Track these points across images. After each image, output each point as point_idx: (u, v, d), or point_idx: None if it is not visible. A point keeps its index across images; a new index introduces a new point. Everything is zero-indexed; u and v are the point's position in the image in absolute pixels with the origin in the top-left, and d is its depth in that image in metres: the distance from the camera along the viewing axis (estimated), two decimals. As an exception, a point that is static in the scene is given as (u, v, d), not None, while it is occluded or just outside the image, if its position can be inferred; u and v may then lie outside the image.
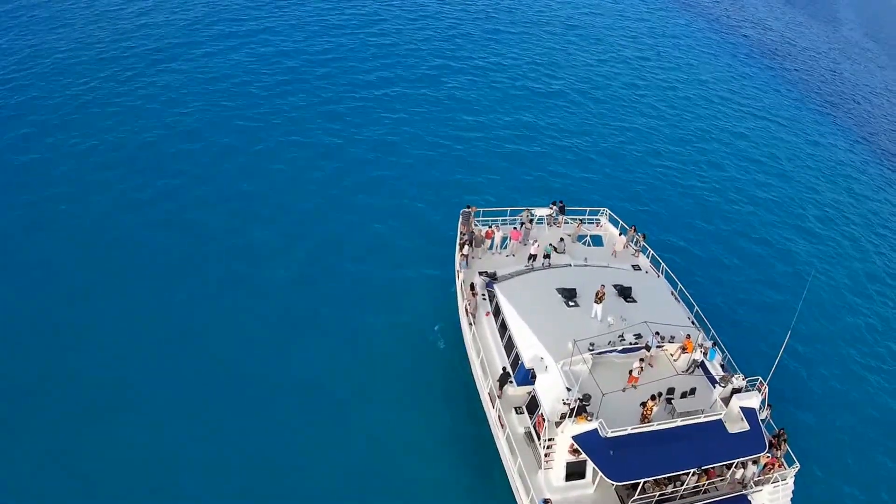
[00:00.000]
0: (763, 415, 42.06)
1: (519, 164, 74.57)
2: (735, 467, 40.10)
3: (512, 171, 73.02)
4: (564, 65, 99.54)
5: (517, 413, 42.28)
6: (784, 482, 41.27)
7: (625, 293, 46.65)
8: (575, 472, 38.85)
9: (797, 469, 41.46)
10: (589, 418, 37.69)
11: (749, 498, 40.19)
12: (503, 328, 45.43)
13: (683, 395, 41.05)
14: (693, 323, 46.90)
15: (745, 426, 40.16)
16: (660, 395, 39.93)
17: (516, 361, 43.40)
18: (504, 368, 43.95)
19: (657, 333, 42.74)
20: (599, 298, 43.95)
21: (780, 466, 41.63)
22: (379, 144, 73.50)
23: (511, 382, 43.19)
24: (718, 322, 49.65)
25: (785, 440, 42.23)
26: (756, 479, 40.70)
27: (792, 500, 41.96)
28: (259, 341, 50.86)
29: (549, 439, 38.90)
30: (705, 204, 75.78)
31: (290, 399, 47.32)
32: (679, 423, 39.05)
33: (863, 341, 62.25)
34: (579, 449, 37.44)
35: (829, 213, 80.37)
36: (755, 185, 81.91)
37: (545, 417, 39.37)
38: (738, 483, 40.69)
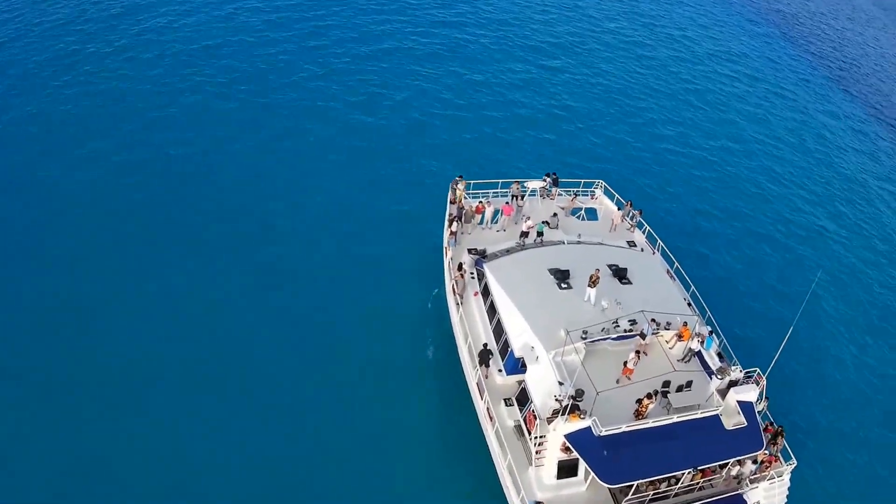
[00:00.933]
0: (759, 407, 40.67)
1: (519, 130, 72.79)
2: (731, 465, 38.83)
3: (512, 141, 71.26)
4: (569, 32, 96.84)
5: (507, 405, 40.68)
6: (780, 479, 40.02)
7: (620, 274, 44.94)
8: (567, 469, 37.41)
9: (794, 466, 40.27)
10: (582, 416, 36.13)
11: (745, 496, 38.93)
12: (492, 310, 43.74)
13: (679, 389, 39.60)
14: (689, 304, 45.40)
15: (743, 421, 38.81)
16: (656, 393, 38.48)
17: (506, 348, 41.86)
18: (485, 345, 42.25)
19: (653, 321, 41.13)
20: (594, 282, 42.15)
21: (776, 462, 40.42)
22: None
23: (500, 372, 41.75)
24: (716, 305, 47.84)
25: (782, 436, 40.90)
26: (752, 476, 39.45)
27: (788, 497, 40.80)
28: (242, 330, 49.16)
29: (541, 436, 37.39)
30: (712, 179, 74.08)
31: (273, 390, 45.68)
32: (675, 419, 37.65)
33: (870, 336, 60.72)
34: (571, 448, 35.98)
35: (848, 195, 78.71)
36: (770, 160, 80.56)
37: (536, 414, 37.77)
38: (734, 480, 39.43)
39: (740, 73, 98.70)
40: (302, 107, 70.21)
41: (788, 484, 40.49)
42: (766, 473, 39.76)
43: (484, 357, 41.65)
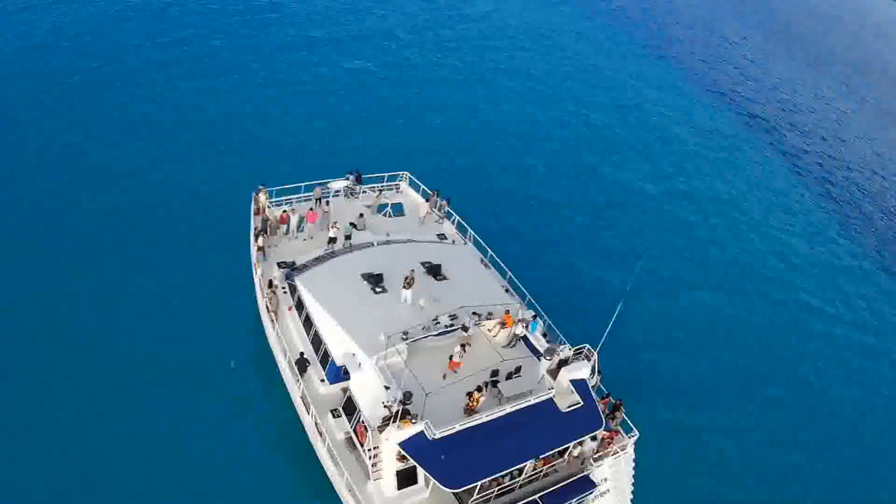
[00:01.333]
0: (593, 382, 41.02)
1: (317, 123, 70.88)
2: (573, 446, 38.67)
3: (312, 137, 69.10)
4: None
5: (334, 416, 39.36)
6: (624, 452, 40.31)
7: (434, 271, 44.31)
8: (406, 477, 36.48)
9: (636, 437, 40.59)
10: (413, 421, 35.08)
11: (591, 476, 39.03)
12: (308, 323, 42.21)
13: (509, 377, 39.19)
14: (508, 290, 45.34)
15: (578, 400, 38.73)
16: (486, 384, 37.95)
17: (326, 358, 40.40)
18: (302, 353, 40.84)
19: (474, 313, 40.79)
20: (408, 284, 41.36)
21: (618, 436, 40.66)
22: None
23: (323, 381, 40.38)
24: (539, 286, 47.84)
25: (622, 409, 41.33)
26: (595, 454, 39.50)
27: (635, 468, 41.20)
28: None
29: (375, 447, 36.26)
30: (523, 161, 74.55)
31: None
32: (509, 409, 37.09)
33: (705, 292, 63.70)
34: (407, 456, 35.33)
35: (664, 154, 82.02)
36: (577, 135, 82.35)
37: (367, 425, 36.81)
38: (577, 460, 39.37)
39: (552, 47, 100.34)
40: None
41: (633, 456, 40.83)
42: (609, 449, 39.80)
43: (301, 365, 40.29)
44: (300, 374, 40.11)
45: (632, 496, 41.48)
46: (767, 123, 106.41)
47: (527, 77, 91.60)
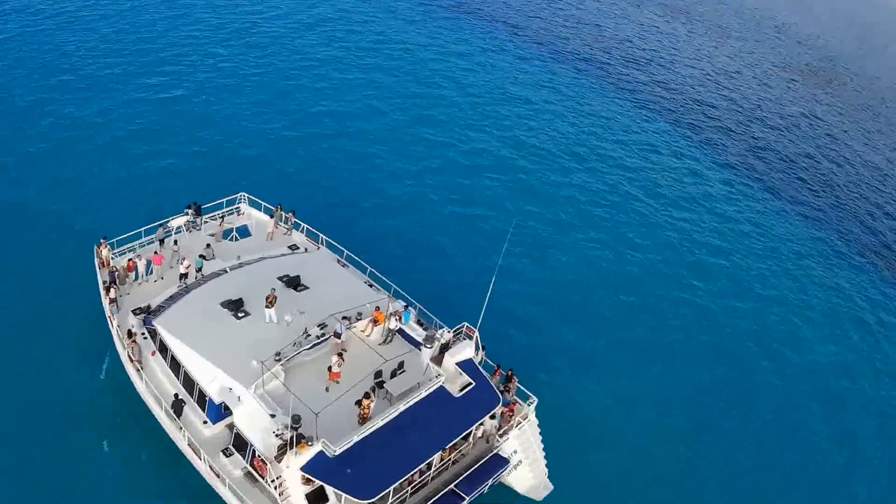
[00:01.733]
0: (478, 358, 40.34)
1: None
2: (475, 428, 37.93)
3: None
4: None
5: (227, 455, 37.45)
6: (527, 420, 39.80)
7: (293, 283, 42.99)
8: (317, 498, 34.82)
9: (535, 403, 40.08)
10: (309, 443, 33.67)
11: (500, 453, 38.52)
12: (175, 365, 40.08)
13: (394, 375, 38.14)
14: (372, 286, 44.40)
15: (469, 381, 38.09)
16: (373, 389, 36.87)
17: (202, 399, 38.40)
18: (176, 395, 38.72)
19: (343, 317, 39.57)
20: (270, 302, 39.87)
21: (517, 406, 40.01)
22: None
23: (206, 423, 38.32)
24: (404, 278, 47.02)
25: (514, 378, 40.62)
26: (499, 430, 38.92)
27: (541, 432, 40.89)
28: None
29: (277, 477, 34.60)
30: (358, 154, 73.11)
31: None
32: (402, 407, 36.09)
33: (573, 267, 63.29)
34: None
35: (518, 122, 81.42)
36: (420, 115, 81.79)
37: (263, 458, 35.09)
38: (482, 440, 38.75)
39: (382, 41, 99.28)
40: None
41: (537, 421, 40.46)
42: (512, 422, 39.18)
43: (177, 407, 38.28)
44: (177, 417, 38.08)
45: (545, 459, 41.20)
46: (590, 61, 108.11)
47: (331, 69, 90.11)
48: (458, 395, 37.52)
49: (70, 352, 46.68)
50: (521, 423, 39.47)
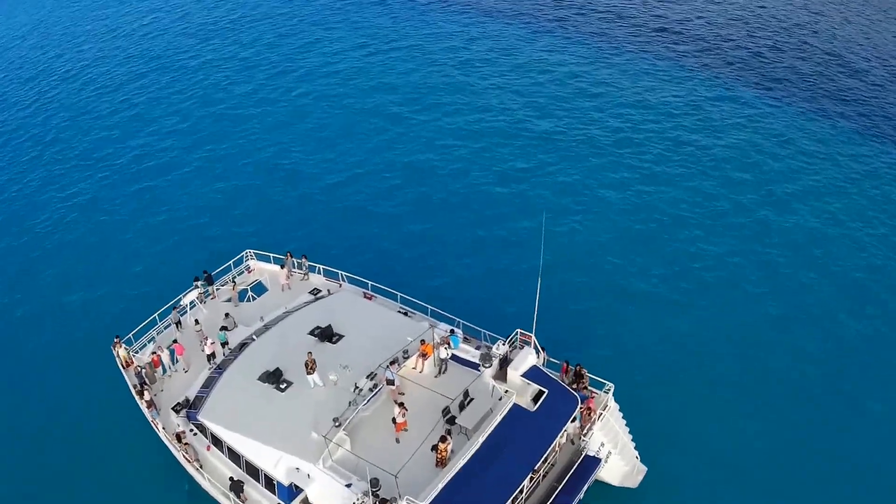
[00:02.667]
0: (540, 360, 38.05)
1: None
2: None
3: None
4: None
5: None
6: (607, 409, 37.64)
7: (327, 335, 40.83)
8: None
9: (612, 388, 37.91)
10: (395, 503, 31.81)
11: (589, 452, 36.52)
12: (234, 456, 38.07)
13: (462, 407, 35.88)
14: (406, 314, 42.13)
15: (540, 389, 36.08)
16: (448, 431, 34.73)
17: (271, 484, 36.39)
18: (231, 478, 36.92)
19: (391, 363, 37.28)
20: (311, 369, 37.68)
21: (594, 398, 37.76)
22: None
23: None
24: (439, 296, 45.36)
25: (584, 373, 38.30)
26: (583, 431, 36.85)
27: (624, 416, 38.98)
28: None
29: None
30: (351, 178, 69.69)
31: None
32: (481, 440, 33.99)
33: (615, 248, 59.13)
34: None
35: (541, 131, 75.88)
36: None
37: None
38: (568, 443, 36.75)
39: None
40: None
41: (617, 406, 38.51)
42: (594, 416, 37.06)
43: (236, 488, 36.53)
44: (238, 495, 36.34)
45: (633, 443, 39.35)
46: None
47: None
48: (535, 409, 35.44)
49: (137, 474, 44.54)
50: (602, 413, 37.13)
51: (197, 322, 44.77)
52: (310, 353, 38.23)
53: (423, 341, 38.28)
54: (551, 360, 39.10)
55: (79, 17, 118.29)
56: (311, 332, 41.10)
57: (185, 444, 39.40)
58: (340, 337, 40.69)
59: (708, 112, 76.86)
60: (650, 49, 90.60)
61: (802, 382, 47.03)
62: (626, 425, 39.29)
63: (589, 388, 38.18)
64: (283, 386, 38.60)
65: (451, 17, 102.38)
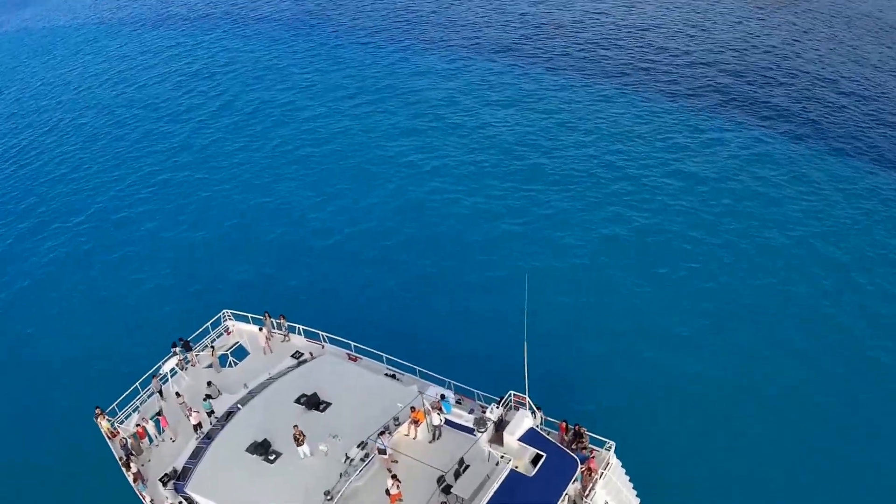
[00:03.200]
0: (537, 422, 37.04)
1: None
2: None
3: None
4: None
5: None
6: (609, 467, 36.42)
7: (313, 403, 39.71)
8: None
9: (613, 446, 36.69)
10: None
11: None
12: None
13: (458, 475, 34.53)
14: (394, 376, 41.09)
15: (538, 453, 34.98)
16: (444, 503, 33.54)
17: None
18: None
19: (381, 432, 36.26)
20: (300, 441, 36.61)
21: (594, 457, 36.46)
22: None
23: None
24: (425, 353, 44.35)
25: (584, 433, 36.97)
26: (585, 492, 35.58)
27: (627, 472, 37.79)
28: None
29: None
30: (319, 232, 68.54)
31: None
32: None
33: (591, 295, 58.09)
34: None
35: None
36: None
37: None
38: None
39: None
40: None
41: (619, 464, 37.24)
42: (596, 475, 35.86)
43: None
44: None
45: (638, 499, 38.40)
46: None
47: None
48: (533, 473, 34.35)
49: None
50: (603, 473, 36.11)
51: (178, 395, 43.60)
52: (296, 426, 37.07)
53: (412, 408, 37.26)
54: (548, 419, 38.06)
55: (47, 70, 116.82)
56: (298, 400, 40.00)
57: None
58: (328, 405, 39.62)
59: (699, 146, 76.03)
60: (628, 83, 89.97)
61: (820, 433, 46.13)
62: (630, 481, 38.14)
63: (589, 446, 37.12)
64: (272, 457, 37.51)
65: (422, 58, 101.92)
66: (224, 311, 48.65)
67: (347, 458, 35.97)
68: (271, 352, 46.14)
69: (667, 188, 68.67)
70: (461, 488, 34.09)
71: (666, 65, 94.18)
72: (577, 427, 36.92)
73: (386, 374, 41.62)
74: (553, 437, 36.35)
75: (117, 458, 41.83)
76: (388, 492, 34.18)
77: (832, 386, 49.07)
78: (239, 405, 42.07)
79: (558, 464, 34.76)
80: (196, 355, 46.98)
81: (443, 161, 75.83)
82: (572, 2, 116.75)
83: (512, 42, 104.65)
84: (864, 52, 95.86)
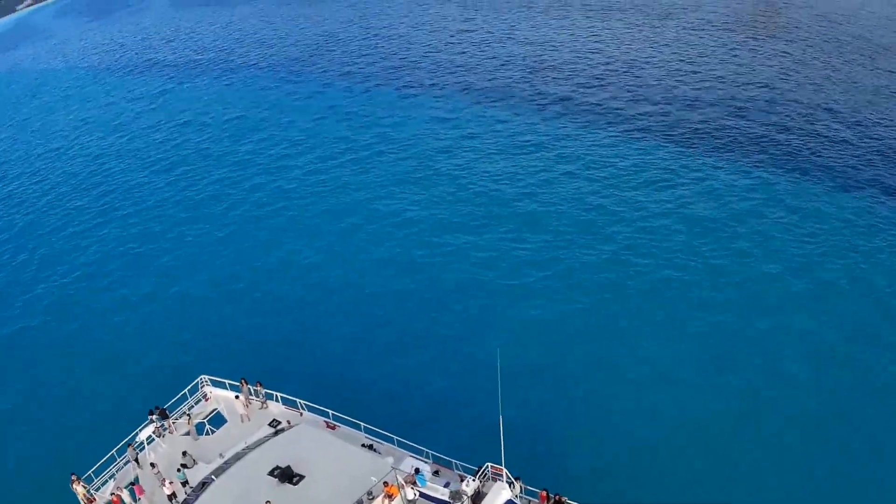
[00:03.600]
0: (516, 491, 36.47)
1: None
2: None
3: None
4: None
5: None
6: None
7: (287, 476, 39.20)
8: None
9: None
10: None
11: None
12: None
13: (439, 553, 34.62)
14: (371, 447, 40.93)
15: None
16: None
17: None
18: None
19: None
20: (274, 517, 36.45)
21: None
22: None
23: None
24: (401, 420, 44.36)
25: (563, 500, 36.54)
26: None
27: None
28: None
29: None
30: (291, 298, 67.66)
31: None
32: None
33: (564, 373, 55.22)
34: None
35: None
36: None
37: None
38: None
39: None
40: None
41: None
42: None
43: None
44: None
45: None
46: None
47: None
48: None
49: None
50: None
51: (153, 465, 43.36)
52: (268, 501, 36.92)
53: (385, 483, 37.16)
54: (529, 488, 37.78)
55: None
56: (272, 473, 39.63)
57: None
58: (301, 478, 39.36)
59: (697, 187, 74.70)
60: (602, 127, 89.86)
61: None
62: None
63: (571, 513, 37.00)
64: None
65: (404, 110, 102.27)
66: (202, 376, 48.31)
67: (323, 537, 35.75)
68: (249, 419, 45.96)
69: (659, 232, 67.59)
70: None
71: (660, 105, 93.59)
72: (557, 497, 36.68)
73: (363, 444, 41.31)
74: (535, 504, 35.84)
75: None
76: (363, 575, 34.02)
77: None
78: (213, 476, 41.71)
79: None
80: (173, 422, 46.70)
81: (427, 217, 75.56)
82: (562, 43, 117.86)
83: (502, 85, 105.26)
84: (858, 78, 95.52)
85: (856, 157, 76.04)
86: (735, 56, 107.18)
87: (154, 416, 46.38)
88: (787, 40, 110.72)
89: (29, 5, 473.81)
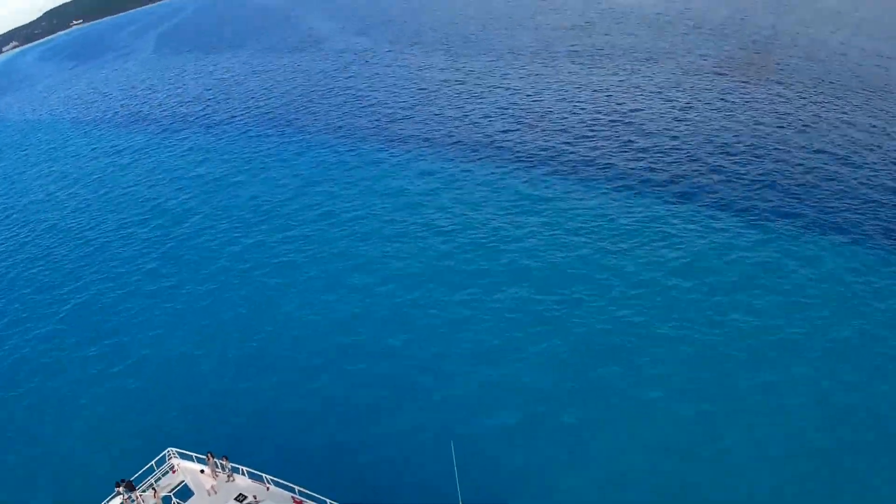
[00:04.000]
0: None
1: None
2: None
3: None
4: None
5: None
6: None
7: None
8: None
9: None
10: None
11: None
12: None
13: None
14: None
15: None
16: None
17: None
18: None
19: None
20: None
21: None
22: None
23: None
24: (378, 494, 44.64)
25: None
26: None
27: None
28: None
29: None
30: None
31: None
32: None
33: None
34: None
35: None
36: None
37: None
38: None
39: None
40: None
41: None
42: None
43: None
44: None
45: None
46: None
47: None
48: None
49: None
50: None
51: None
52: (232, 588, 37.31)
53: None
54: None
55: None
56: None
57: None
58: None
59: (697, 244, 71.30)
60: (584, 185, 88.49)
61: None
62: None
63: None
64: None
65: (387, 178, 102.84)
66: (169, 449, 48.45)
67: None
68: (216, 493, 46.36)
69: (650, 294, 64.47)
70: None
71: (651, 158, 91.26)
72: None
73: None
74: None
75: None
76: None
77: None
78: (179, 554, 42.26)
79: None
80: (140, 495, 47.00)
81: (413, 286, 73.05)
82: (543, 91, 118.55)
83: (484, 139, 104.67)
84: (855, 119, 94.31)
85: (854, 203, 73.83)
86: (726, 102, 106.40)
87: (121, 489, 46.60)
88: (779, 81, 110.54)
89: (15, 46, 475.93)
